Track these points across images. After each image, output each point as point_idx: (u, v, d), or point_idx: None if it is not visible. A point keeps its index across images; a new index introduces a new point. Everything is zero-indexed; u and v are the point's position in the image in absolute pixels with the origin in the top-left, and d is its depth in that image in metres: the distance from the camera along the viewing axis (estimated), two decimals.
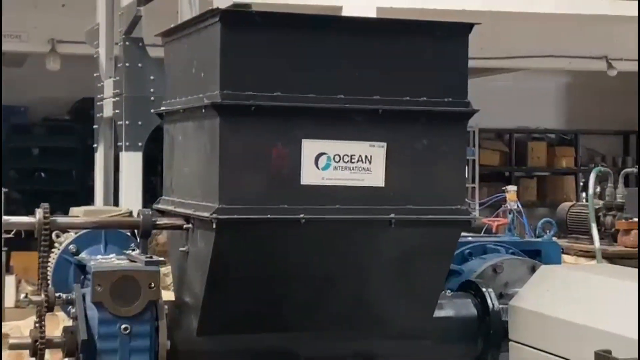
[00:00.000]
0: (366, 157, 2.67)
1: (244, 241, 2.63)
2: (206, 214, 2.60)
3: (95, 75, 8.11)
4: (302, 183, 2.63)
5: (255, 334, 2.82)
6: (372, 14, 7.02)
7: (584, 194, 7.78)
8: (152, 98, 7.04)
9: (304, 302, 2.77)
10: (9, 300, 9.03)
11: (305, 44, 2.64)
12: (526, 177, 14.82)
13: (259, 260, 2.67)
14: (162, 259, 2.74)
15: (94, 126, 8.35)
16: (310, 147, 2.63)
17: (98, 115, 8.12)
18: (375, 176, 2.68)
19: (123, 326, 2.57)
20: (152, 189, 9.11)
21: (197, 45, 2.78)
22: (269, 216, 2.60)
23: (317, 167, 2.64)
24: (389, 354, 3.08)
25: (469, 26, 2.75)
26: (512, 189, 5.91)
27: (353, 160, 2.66)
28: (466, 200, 2.90)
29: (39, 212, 2.73)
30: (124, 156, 7.42)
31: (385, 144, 2.68)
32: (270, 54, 2.62)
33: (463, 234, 3.07)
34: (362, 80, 2.67)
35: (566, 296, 2.72)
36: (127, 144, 7.31)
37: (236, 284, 2.68)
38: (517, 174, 14.62)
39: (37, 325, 2.68)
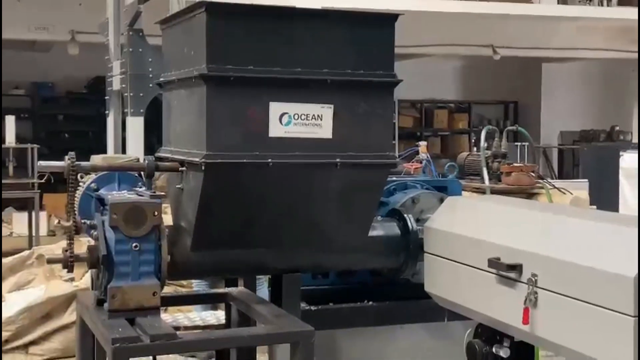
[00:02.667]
0: (318, 115, 2.65)
1: (225, 179, 2.61)
2: (197, 159, 2.58)
3: (106, 58, 8.03)
4: (269, 135, 2.61)
5: (235, 250, 2.82)
6: None
7: (475, 148, 7.84)
8: (150, 75, 7.00)
9: (272, 225, 2.77)
10: (43, 230, 9.01)
11: (271, 28, 2.61)
12: (433, 136, 14.95)
13: (237, 194, 2.66)
14: (163, 193, 2.72)
15: (106, 97, 8.28)
16: (275, 108, 2.60)
17: (109, 88, 8.06)
18: (325, 130, 2.67)
19: (134, 244, 2.55)
20: (151, 146, 9.04)
21: (188, 30, 2.73)
22: (244, 160, 2.58)
23: (281, 123, 2.61)
24: (334, 264, 3.10)
25: (395, 16, 2.74)
26: (423, 144, 5.91)
27: (308, 118, 2.64)
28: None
29: (67, 158, 2.69)
30: (129, 120, 7.38)
31: (332, 106, 2.66)
32: (244, 37, 2.58)
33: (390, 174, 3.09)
34: (314, 56, 2.64)
35: (466, 218, 2.75)
36: (132, 110, 7.28)
37: (220, 211, 2.67)
38: (426, 134, 14.74)
39: (67, 244, 2.66)
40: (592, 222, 2.29)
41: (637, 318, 1.84)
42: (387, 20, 2.74)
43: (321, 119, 2.66)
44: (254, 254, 2.87)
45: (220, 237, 2.75)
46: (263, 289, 3.58)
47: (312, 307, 3.18)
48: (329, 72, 2.66)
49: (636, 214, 3.89)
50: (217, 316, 3.73)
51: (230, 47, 2.57)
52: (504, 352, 2.59)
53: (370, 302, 3.26)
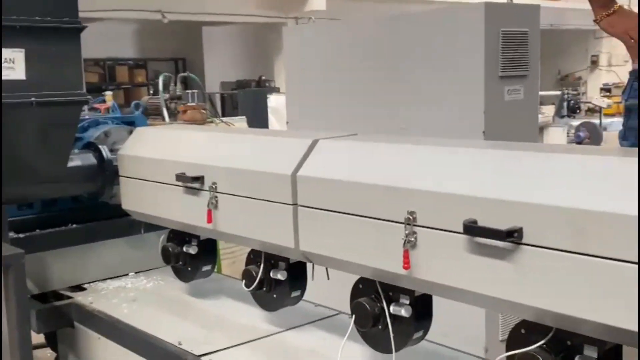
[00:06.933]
0: (10, 59, 2.36)
1: None
2: None
3: None
4: None
5: None
6: None
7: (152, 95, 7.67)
8: None
9: None
10: None
11: None
12: (116, 89, 14.32)
13: None
14: None
15: None
16: None
17: None
18: (18, 72, 2.38)
19: None
20: None
21: None
22: None
23: None
24: (37, 194, 2.84)
25: None
26: (108, 93, 5.66)
27: (2, 62, 2.34)
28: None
29: None
30: None
31: (23, 50, 2.38)
32: None
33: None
34: (4, 3, 2.32)
35: (154, 144, 2.64)
36: None
37: None
38: (111, 87, 14.06)
39: None
40: (252, 136, 2.35)
41: (294, 206, 1.92)
42: None
43: (14, 62, 2.37)
44: None
45: None
46: None
47: (21, 235, 2.89)
48: (17, 19, 2.35)
49: None
50: None
51: None
52: (192, 250, 2.59)
53: (74, 225, 3.05)
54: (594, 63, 18.66)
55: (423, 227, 1.55)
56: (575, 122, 11.34)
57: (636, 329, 1.21)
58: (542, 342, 1.42)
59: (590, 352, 1.38)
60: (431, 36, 3.27)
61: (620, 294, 1.22)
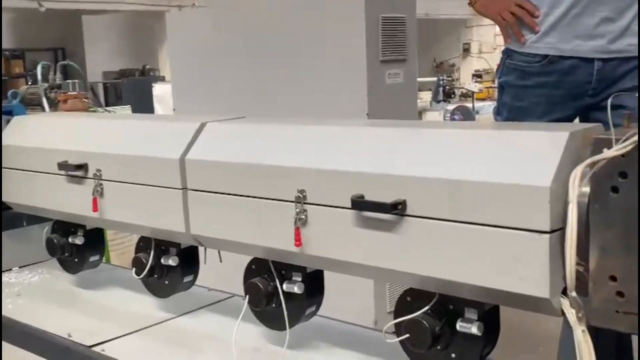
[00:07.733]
0: None
1: None
2: None
3: None
4: None
5: None
6: None
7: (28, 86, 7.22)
8: None
9: None
10: None
11: None
12: None
13: None
14: None
15: None
16: None
17: None
18: None
19: None
20: None
21: None
22: None
23: None
24: None
25: None
26: None
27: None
28: None
29: None
30: None
31: None
32: None
33: None
34: None
35: (34, 133, 2.50)
36: None
37: None
38: None
39: None
40: (137, 121, 2.28)
41: (184, 190, 1.87)
42: None
43: None
44: None
45: None
46: None
47: None
48: None
49: None
50: None
51: None
52: (78, 240, 2.47)
53: None
54: (466, 51, 19.50)
55: (313, 204, 1.56)
56: (451, 107, 11.84)
57: (508, 289, 1.27)
58: (426, 307, 1.46)
59: (471, 314, 1.43)
60: (314, 22, 3.29)
61: (494, 257, 1.28)
